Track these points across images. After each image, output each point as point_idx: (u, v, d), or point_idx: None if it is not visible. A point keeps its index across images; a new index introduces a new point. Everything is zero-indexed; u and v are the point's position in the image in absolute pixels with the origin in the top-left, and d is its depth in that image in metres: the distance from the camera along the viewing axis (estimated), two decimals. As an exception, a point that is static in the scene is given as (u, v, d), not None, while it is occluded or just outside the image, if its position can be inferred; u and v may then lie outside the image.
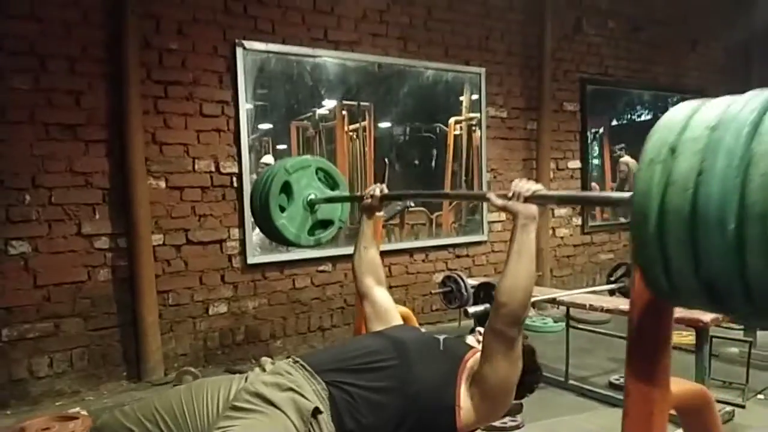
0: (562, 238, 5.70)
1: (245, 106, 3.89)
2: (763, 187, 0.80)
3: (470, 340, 1.77)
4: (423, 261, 4.83)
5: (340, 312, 4.37)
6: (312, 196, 2.33)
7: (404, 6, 4.58)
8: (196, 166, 3.77)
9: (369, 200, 1.98)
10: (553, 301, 3.40)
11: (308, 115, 4.27)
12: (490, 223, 5.17)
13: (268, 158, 4.08)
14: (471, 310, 2.85)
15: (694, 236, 0.87)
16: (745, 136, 0.84)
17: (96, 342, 3.49)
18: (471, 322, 2.97)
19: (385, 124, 4.65)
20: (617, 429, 1.19)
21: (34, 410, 3.16)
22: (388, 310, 1.90)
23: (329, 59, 4.26)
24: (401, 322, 1.91)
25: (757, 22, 6.23)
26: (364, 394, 1.47)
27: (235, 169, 3.89)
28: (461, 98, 5.03)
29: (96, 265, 3.48)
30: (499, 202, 1.50)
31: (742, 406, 2.94)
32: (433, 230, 4.95)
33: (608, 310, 3.04)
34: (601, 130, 6.08)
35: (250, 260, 3.96)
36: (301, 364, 1.52)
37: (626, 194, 1.11)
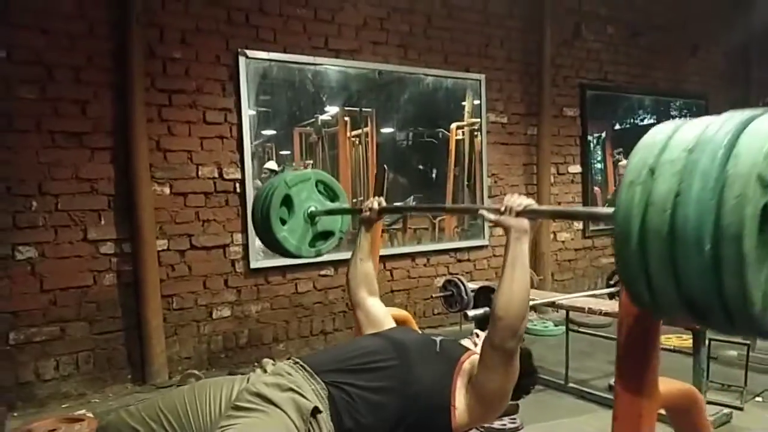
0: (563, 242, 5.73)
1: (248, 113, 3.95)
2: (737, 209, 0.83)
3: (466, 342, 1.80)
4: (425, 265, 4.87)
5: (342, 315, 4.41)
6: (312, 209, 2.35)
7: (404, 14, 4.64)
8: (200, 173, 3.83)
9: (368, 213, 2.02)
10: (552, 305, 3.43)
11: (311, 121, 4.32)
12: (492, 227, 5.21)
13: (271, 164, 4.13)
14: (470, 313, 2.87)
15: (673, 255, 0.91)
16: (719, 158, 0.87)
17: (101, 345, 3.54)
18: (472, 326, 3.00)
19: (387, 130, 4.70)
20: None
21: (41, 412, 3.21)
22: (381, 318, 1.93)
23: (330, 67, 4.32)
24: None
25: (757, 26, 6.28)
26: (363, 393, 1.51)
27: (238, 175, 3.95)
28: (463, 103, 5.08)
29: (101, 270, 3.53)
30: (492, 216, 1.53)
31: (741, 409, 2.96)
32: (436, 234, 4.99)
33: (607, 314, 3.07)
34: (604, 135, 6.11)
35: (253, 265, 4.01)
36: (301, 365, 1.56)
37: (610, 210, 1.14)
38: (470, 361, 1.62)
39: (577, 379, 3.41)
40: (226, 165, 3.91)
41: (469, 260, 5.12)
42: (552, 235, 5.61)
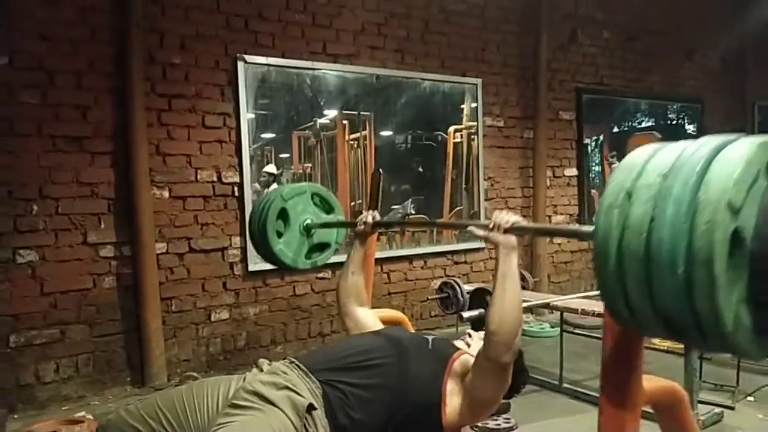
0: (559, 244, 5.76)
1: (246, 117, 3.99)
2: (708, 234, 0.87)
3: (459, 343, 1.83)
4: (422, 267, 4.91)
5: (339, 318, 4.43)
6: (308, 221, 2.38)
7: (401, 19, 4.69)
8: (199, 176, 3.87)
9: (362, 227, 2.05)
10: (546, 306, 3.46)
11: (309, 124, 4.36)
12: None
13: (270, 167, 4.17)
14: (465, 315, 2.91)
15: (649, 276, 0.95)
16: (691, 185, 0.91)
17: (101, 348, 3.58)
18: (468, 328, 3.04)
19: (385, 133, 4.75)
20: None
21: (41, 414, 3.24)
22: (369, 325, 1.97)
23: (329, 71, 4.36)
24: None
25: (752, 30, 6.33)
26: (356, 391, 1.55)
27: (237, 179, 3.99)
28: (462, 106, 5.12)
29: (101, 273, 3.57)
30: (481, 233, 1.56)
31: (732, 408, 3.01)
32: (434, 237, 5.02)
33: (600, 315, 3.08)
34: (601, 138, 6.15)
35: (252, 268, 4.03)
36: (296, 364, 1.61)
37: (590, 228, 1.18)
38: (460, 361, 1.65)
39: (572, 380, 3.45)
40: (225, 169, 3.96)
41: (465, 262, 5.15)
42: (548, 237, 5.64)
